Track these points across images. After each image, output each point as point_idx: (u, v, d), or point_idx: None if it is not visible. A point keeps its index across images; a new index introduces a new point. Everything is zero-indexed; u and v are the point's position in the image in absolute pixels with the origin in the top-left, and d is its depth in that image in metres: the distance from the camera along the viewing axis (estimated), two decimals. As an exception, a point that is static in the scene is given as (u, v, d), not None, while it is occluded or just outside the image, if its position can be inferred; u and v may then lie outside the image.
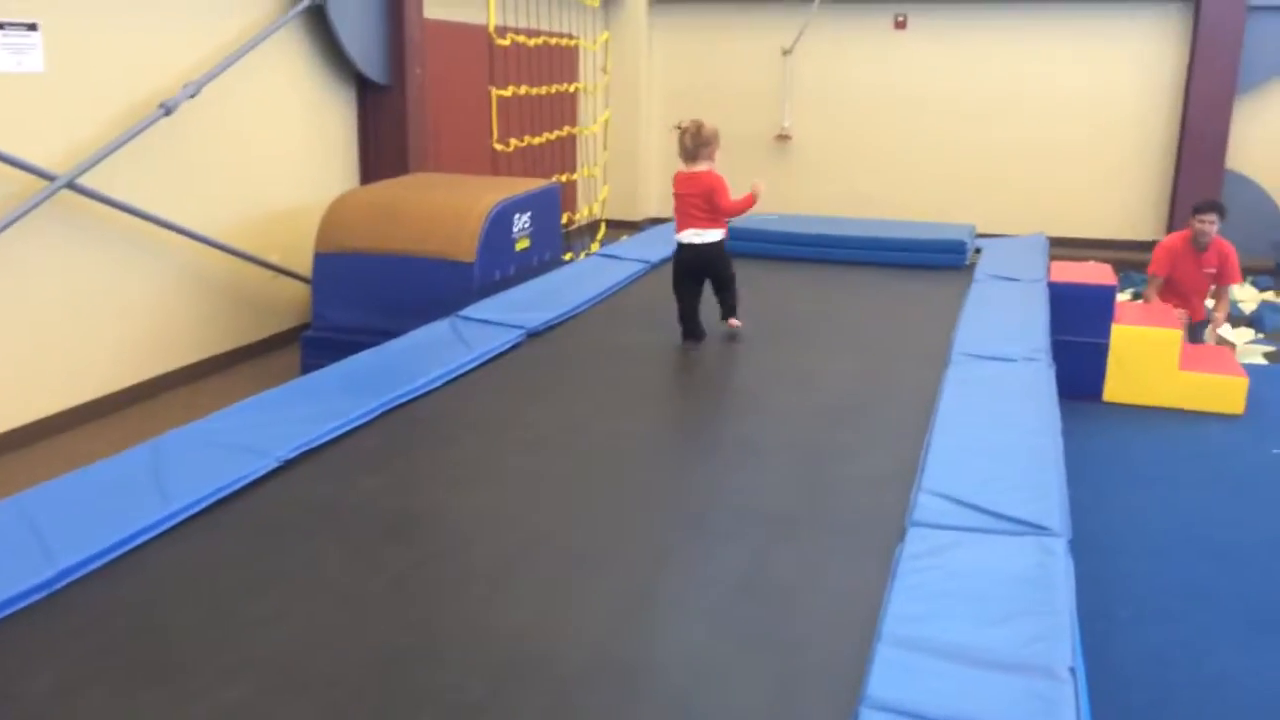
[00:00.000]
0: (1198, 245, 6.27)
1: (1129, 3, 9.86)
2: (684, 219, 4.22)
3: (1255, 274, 9.06)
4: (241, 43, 5.93)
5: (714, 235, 4.21)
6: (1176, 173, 9.92)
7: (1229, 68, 9.52)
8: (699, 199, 4.15)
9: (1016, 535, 2.45)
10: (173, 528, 2.52)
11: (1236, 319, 7.73)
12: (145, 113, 5.34)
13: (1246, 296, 8.42)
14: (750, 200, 4.18)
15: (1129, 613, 3.44)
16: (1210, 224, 6.25)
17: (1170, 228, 9.70)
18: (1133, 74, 10.03)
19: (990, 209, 9.88)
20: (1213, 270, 6.29)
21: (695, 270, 4.26)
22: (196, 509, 2.60)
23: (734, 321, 4.36)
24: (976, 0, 10.14)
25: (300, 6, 6.28)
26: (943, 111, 10.46)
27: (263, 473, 2.81)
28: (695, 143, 4.15)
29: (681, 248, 4.26)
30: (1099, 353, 5.49)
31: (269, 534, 2.55)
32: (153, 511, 2.53)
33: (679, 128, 4.23)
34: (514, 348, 4.12)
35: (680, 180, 4.21)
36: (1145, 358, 5.45)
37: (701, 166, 4.17)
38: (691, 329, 4.28)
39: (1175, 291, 6.30)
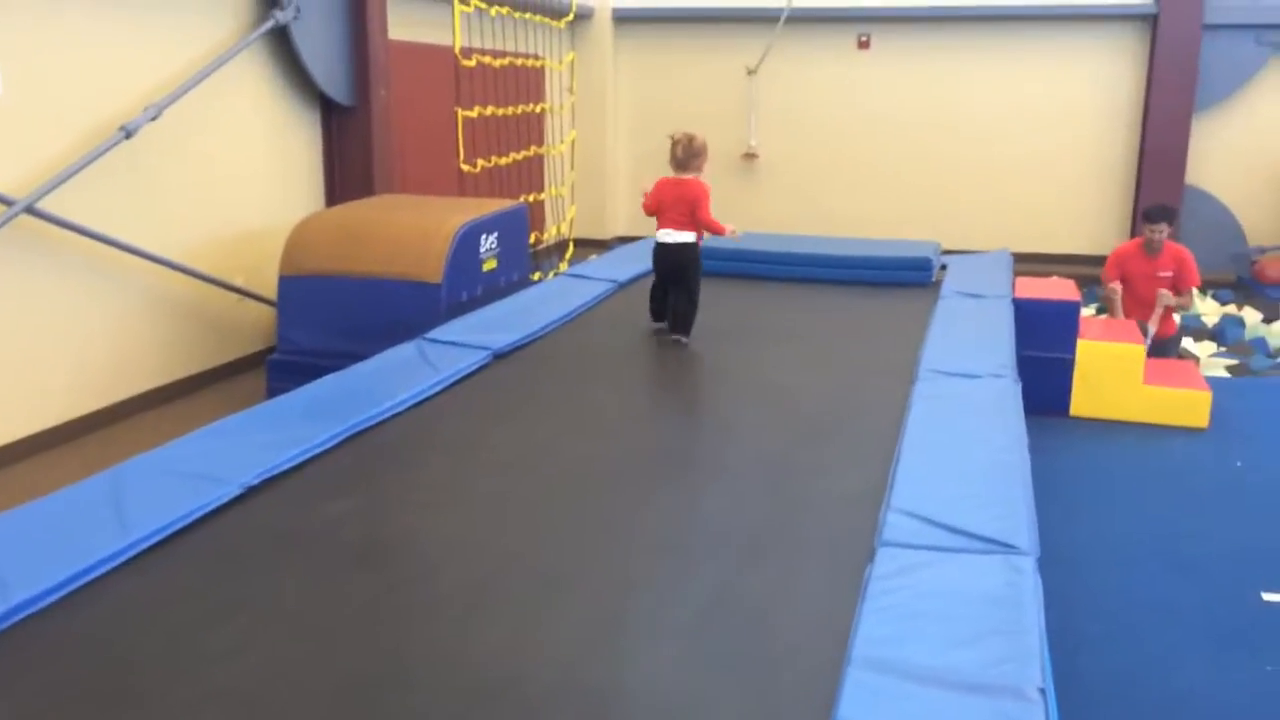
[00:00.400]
0: (1150, 250, 6.34)
1: (1088, 21, 10.01)
2: (664, 220, 4.56)
3: (1216, 288, 9.19)
4: (204, 64, 5.89)
5: (687, 237, 4.55)
6: (1137, 188, 10.05)
7: (1187, 85, 9.68)
8: (683, 204, 4.49)
9: (985, 554, 2.45)
10: (132, 558, 2.48)
11: (1199, 331, 7.83)
12: (106, 135, 5.28)
13: (1209, 310, 8.53)
14: (721, 229, 4.54)
15: (1097, 629, 3.45)
16: (1159, 233, 6.31)
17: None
18: (1093, 91, 10.17)
19: (955, 226, 9.97)
20: (1169, 274, 6.34)
21: (667, 268, 4.62)
22: (157, 539, 2.55)
23: (681, 339, 4.57)
24: (938, 20, 10.26)
25: (263, 28, 6.25)
26: (907, 129, 10.55)
27: (225, 500, 2.77)
28: (686, 153, 4.51)
29: (657, 245, 4.64)
30: (1065, 368, 5.54)
31: (231, 563, 2.51)
32: (112, 542, 2.48)
33: (671, 138, 4.56)
34: (481, 369, 4.10)
35: (666, 185, 4.54)
36: (1110, 373, 5.50)
37: (689, 175, 4.52)
38: (659, 312, 4.70)
39: (1136, 301, 6.35)
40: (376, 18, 7.03)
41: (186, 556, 2.53)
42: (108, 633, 2.20)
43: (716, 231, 4.53)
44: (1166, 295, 6.23)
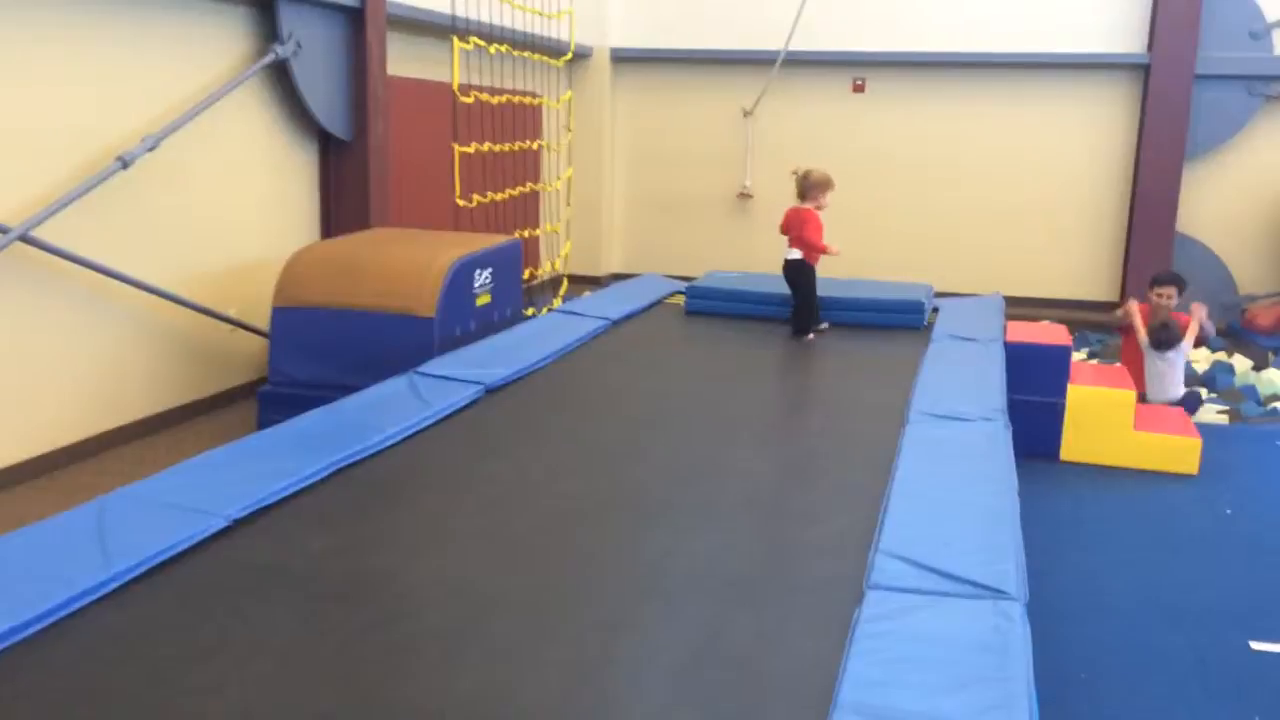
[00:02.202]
0: (1156, 317, 6.34)
1: (1081, 69, 10.11)
2: (789, 241, 5.67)
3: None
4: (203, 96, 5.92)
5: (797, 255, 5.64)
6: (1129, 235, 10.11)
7: (1178, 134, 9.76)
8: (796, 226, 5.61)
9: (974, 599, 2.44)
10: (114, 591, 2.46)
11: (1190, 378, 7.84)
12: (103, 165, 5.30)
13: (1199, 357, 8.56)
14: (823, 248, 5.63)
15: (1085, 677, 3.43)
16: (1168, 298, 6.31)
17: (1123, 288, 9.88)
18: (1085, 138, 10.26)
19: (947, 268, 10.01)
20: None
21: (789, 280, 5.68)
22: (139, 571, 2.54)
23: (809, 337, 5.57)
24: (933, 65, 10.36)
25: (263, 61, 6.29)
26: (901, 173, 10.62)
27: (210, 533, 2.75)
28: (803, 186, 5.68)
29: (785, 261, 5.70)
30: (1055, 412, 5.54)
31: (214, 597, 2.49)
32: (95, 573, 2.46)
33: (794, 172, 5.74)
34: (472, 404, 4.09)
35: (790, 212, 5.71)
36: (1101, 418, 5.50)
37: (808, 204, 5.65)
38: (796, 325, 5.65)
39: (1135, 365, 6.35)
40: (376, 53, 7.08)
41: (169, 590, 2.51)
42: (87, 666, 2.18)
43: (820, 250, 5.59)
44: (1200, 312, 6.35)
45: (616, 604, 2.56)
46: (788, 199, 5.89)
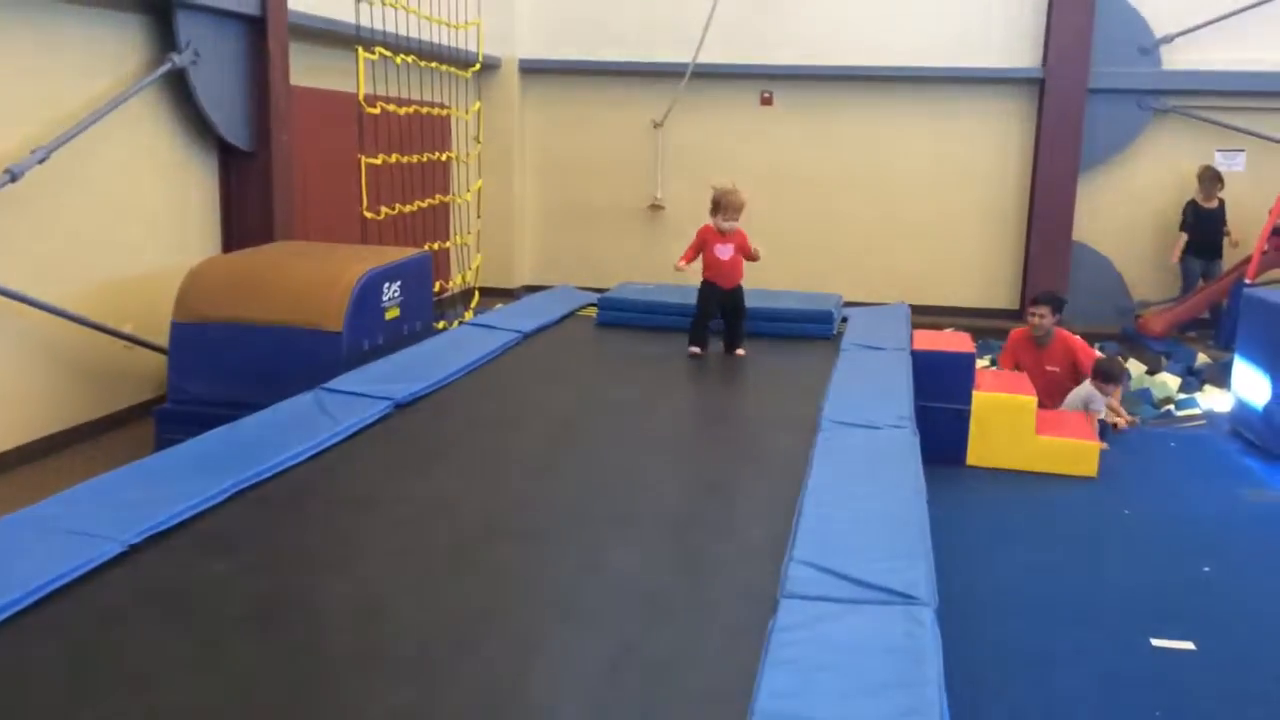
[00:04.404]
0: (1036, 339, 6.50)
1: (980, 84, 10.39)
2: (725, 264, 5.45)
3: (1102, 339, 9.53)
4: (98, 106, 5.73)
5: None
6: (1028, 243, 10.42)
7: (1072, 145, 10.10)
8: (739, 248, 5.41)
9: (885, 605, 2.47)
10: (4, 620, 2.34)
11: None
12: (-11, 177, 5.09)
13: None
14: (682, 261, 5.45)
15: (994, 677, 3.50)
16: (1040, 316, 6.47)
17: (1023, 296, 10.16)
18: (985, 151, 10.54)
19: (854, 279, 10.17)
20: (1056, 369, 6.51)
21: (731, 303, 5.42)
22: (30, 600, 2.42)
23: (740, 351, 5.40)
24: (839, 79, 10.54)
25: (160, 70, 6.11)
26: (808, 184, 10.78)
27: (106, 559, 2.64)
28: (737, 203, 5.36)
29: (721, 289, 5.42)
30: (961, 419, 5.66)
31: (111, 627, 2.39)
32: (-19, 605, 2.34)
33: (728, 189, 5.42)
34: (381, 420, 4.01)
35: (740, 237, 5.42)
36: (1004, 423, 5.64)
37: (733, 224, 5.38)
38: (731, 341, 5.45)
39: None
40: (278, 63, 6.93)
41: (63, 619, 2.40)
42: (-28, 703, 2.07)
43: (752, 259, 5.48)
44: (1105, 407, 6.25)
45: (532, 621, 2.53)
46: (699, 210, 5.88)
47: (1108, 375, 6.33)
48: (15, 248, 5.36)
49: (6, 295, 5.22)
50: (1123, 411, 6.53)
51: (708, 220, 5.41)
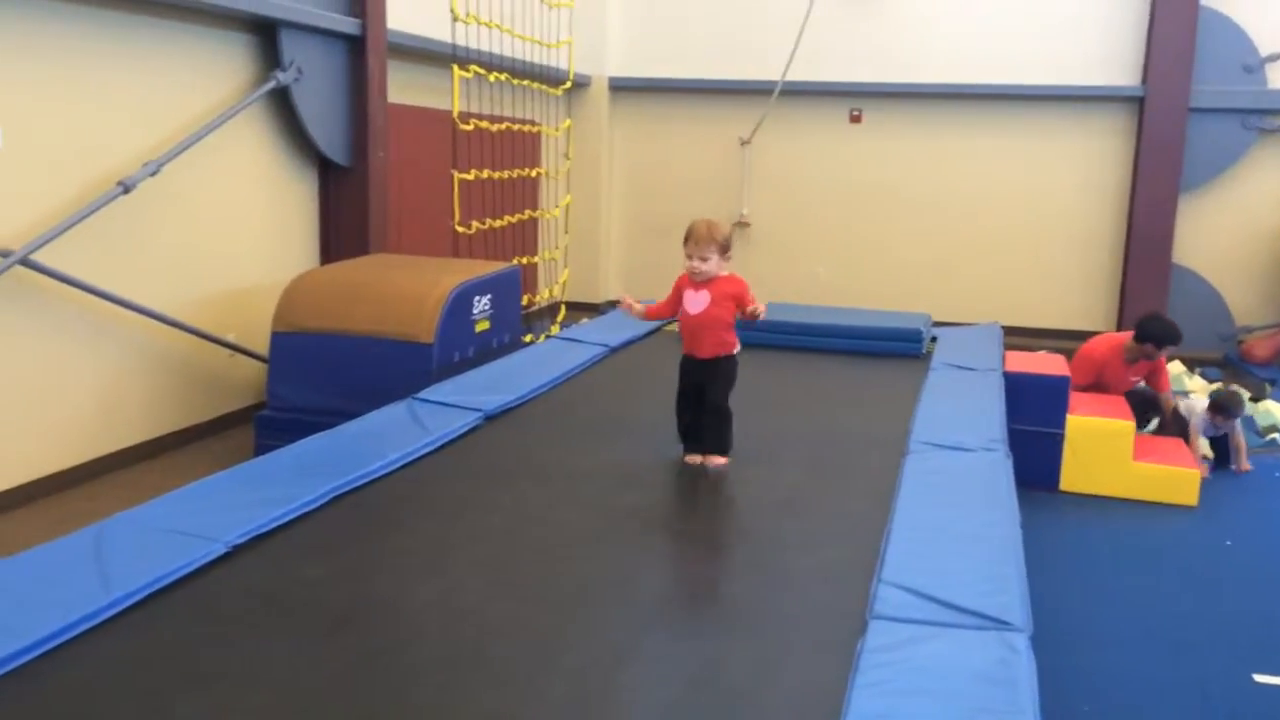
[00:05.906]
0: (1129, 357, 6.34)
1: (1078, 102, 10.18)
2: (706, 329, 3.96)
3: (1204, 365, 9.23)
4: (205, 122, 5.94)
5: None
6: (1125, 266, 10.15)
7: (1173, 166, 9.82)
8: (729, 299, 3.88)
9: (978, 630, 2.42)
10: (113, 617, 2.43)
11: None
12: (104, 189, 5.30)
13: (1197, 387, 8.56)
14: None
15: (1089, 708, 3.41)
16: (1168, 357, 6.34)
17: (1120, 319, 9.90)
18: (1081, 170, 10.31)
19: (945, 298, 10.03)
20: (1138, 379, 6.39)
21: (707, 376, 3.90)
22: (138, 597, 2.51)
23: (723, 461, 3.82)
24: (931, 97, 10.42)
25: (264, 88, 6.31)
26: (898, 202, 10.67)
27: (209, 559, 2.73)
28: (727, 240, 3.95)
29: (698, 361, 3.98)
30: (1054, 443, 5.53)
31: (212, 624, 2.47)
32: (93, 599, 2.44)
33: (733, 224, 4.44)
34: (472, 431, 4.08)
35: (725, 282, 3.92)
36: (1099, 449, 5.50)
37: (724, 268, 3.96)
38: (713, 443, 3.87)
39: (1102, 392, 6.33)
40: (377, 81, 7.11)
41: (168, 616, 2.48)
42: (85, 693, 2.15)
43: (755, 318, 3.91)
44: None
45: (617, 633, 2.54)
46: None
47: (1225, 409, 6.11)
48: (128, 257, 5.57)
49: (118, 303, 5.43)
50: (1244, 448, 6.26)
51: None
